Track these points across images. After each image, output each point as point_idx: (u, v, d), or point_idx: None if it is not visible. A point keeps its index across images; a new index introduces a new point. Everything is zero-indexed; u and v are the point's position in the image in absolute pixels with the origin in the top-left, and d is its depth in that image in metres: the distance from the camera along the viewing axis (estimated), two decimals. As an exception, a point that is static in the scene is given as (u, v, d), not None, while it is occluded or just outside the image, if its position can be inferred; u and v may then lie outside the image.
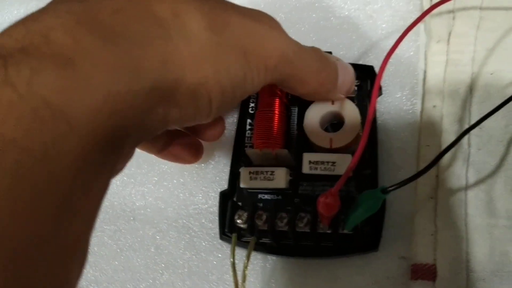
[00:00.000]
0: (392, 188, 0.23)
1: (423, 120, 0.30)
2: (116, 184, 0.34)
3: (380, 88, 0.31)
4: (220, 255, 0.30)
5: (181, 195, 0.32)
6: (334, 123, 0.30)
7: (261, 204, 0.29)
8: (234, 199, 0.30)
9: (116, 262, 0.32)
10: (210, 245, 0.31)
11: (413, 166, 0.30)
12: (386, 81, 0.31)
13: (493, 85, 0.30)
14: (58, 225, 0.15)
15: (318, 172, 0.28)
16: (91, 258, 0.32)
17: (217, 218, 0.30)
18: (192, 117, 0.20)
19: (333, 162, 0.28)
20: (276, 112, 0.29)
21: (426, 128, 0.30)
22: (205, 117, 0.21)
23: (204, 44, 0.19)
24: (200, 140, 0.31)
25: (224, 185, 0.30)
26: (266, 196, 0.29)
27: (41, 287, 0.14)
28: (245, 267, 0.27)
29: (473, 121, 0.29)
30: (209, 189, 0.32)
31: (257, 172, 0.28)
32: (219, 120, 0.30)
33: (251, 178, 0.29)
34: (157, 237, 0.32)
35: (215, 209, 0.31)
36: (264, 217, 0.28)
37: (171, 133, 0.29)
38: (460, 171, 0.29)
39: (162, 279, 0.31)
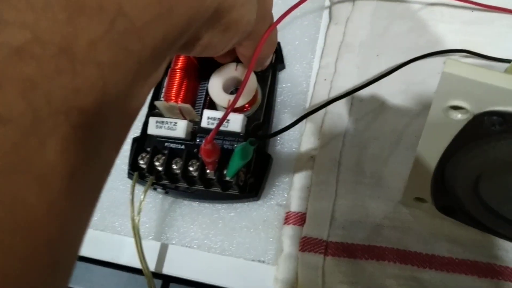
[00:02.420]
0: (258, 141, 0.28)
1: (315, 90, 0.35)
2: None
3: (282, 62, 0.35)
4: (128, 193, 0.34)
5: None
6: (237, 88, 0.34)
7: (166, 151, 0.33)
8: (144, 144, 0.34)
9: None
10: (121, 184, 0.35)
11: (299, 128, 0.34)
12: (288, 55, 0.36)
13: (377, 66, 0.35)
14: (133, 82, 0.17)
15: (214, 127, 0.32)
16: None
17: (129, 161, 0.34)
18: (212, 47, 0.23)
19: (228, 120, 0.32)
20: (185, 71, 0.33)
21: (315, 97, 0.34)
22: (219, 50, 0.24)
23: None
24: None
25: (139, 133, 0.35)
26: (171, 145, 0.34)
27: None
28: (141, 201, 0.31)
29: (356, 95, 0.34)
30: (126, 136, 0.36)
31: (162, 122, 0.33)
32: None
33: (157, 127, 0.33)
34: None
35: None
36: (162, 160, 0.32)
37: None
38: (338, 136, 0.33)
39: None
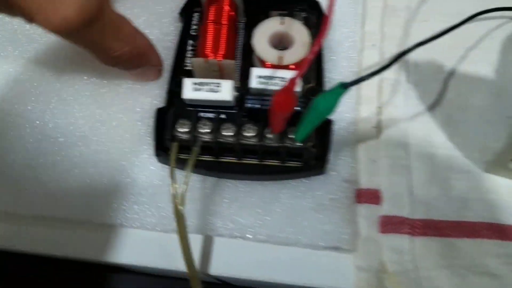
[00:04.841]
0: (352, 83, 0.22)
1: (363, 56, 0.31)
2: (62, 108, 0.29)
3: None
4: (153, 177, 0.27)
5: (114, 123, 0.29)
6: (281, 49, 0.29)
7: (207, 119, 0.26)
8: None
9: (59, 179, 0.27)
10: (141, 164, 0.27)
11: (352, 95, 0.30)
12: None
13: (424, 31, 0.31)
14: None
15: (267, 87, 0.26)
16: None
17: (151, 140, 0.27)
18: None
19: (282, 78, 0.26)
20: (224, 23, 0.28)
21: (366, 61, 0.30)
22: None
23: None
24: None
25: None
26: (208, 115, 0.27)
27: None
28: (186, 184, 0.24)
29: (410, 60, 0.30)
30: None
31: (201, 83, 0.26)
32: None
33: (194, 89, 0.26)
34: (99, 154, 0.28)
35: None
36: (208, 126, 0.25)
37: None
38: (400, 103, 0.29)
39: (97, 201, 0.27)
